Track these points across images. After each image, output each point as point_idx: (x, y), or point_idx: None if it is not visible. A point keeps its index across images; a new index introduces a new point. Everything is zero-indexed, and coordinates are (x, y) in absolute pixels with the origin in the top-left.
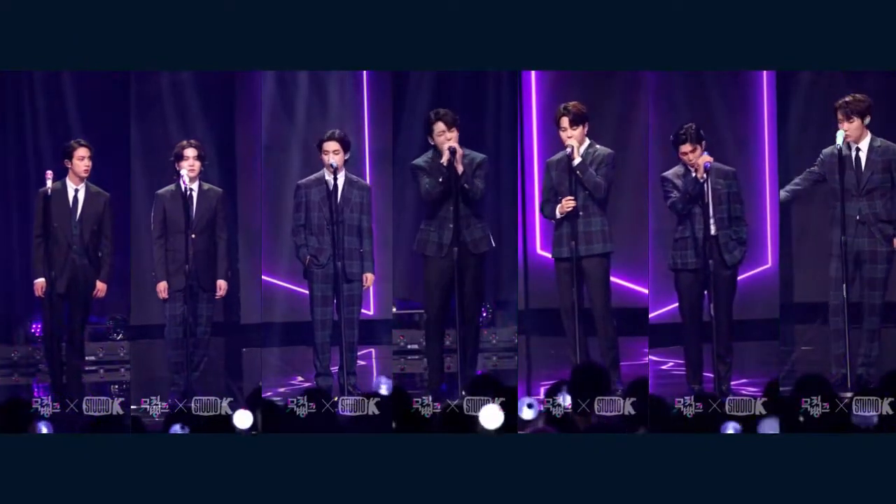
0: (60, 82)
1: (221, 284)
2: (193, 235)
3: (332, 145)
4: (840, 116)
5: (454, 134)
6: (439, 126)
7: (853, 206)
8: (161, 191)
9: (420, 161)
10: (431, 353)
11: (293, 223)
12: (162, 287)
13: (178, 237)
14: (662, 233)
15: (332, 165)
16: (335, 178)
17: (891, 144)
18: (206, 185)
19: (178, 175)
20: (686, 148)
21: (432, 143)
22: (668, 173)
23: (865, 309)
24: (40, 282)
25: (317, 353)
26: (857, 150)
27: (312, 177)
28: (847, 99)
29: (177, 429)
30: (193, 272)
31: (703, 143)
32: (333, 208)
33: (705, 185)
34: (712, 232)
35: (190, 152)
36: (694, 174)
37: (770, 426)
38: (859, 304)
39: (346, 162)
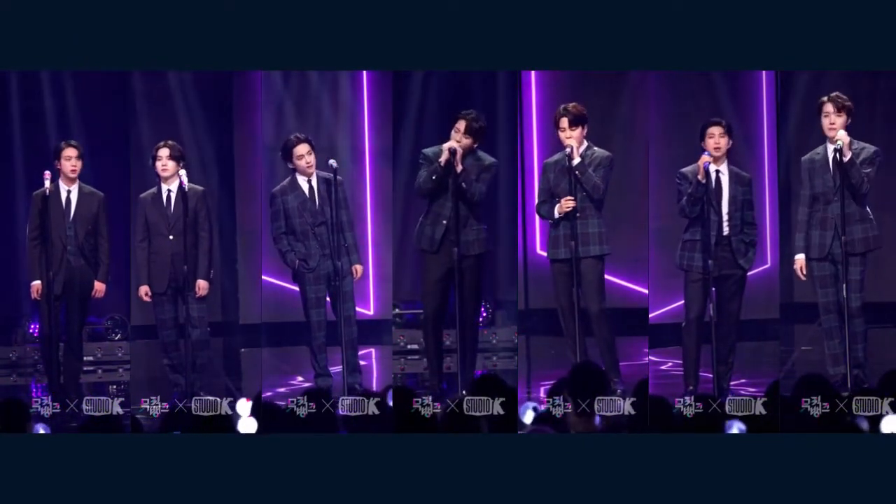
0: (57, 82)
1: (201, 284)
2: (171, 237)
3: (304, 147)
4: (831, 108)
5: (468, 142)
6: (460, 123)
7: (833, 207)
8: (143, 194)
9: (429, 151)
10: (430, 352)
11: (273, 231)
12: (142, 291)
13: (160, 239)
14: (662, 233)
15: (332, 165)
16: (335, 178)
17: (867, 146)
18: (187, 186)
19: (158, 176)
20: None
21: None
22: (686, 169)
23: (849, 311)
24: (36, 284)
25: (314, 354)
26: (836, 151)
27: (285, 183)
28: (840, 94)
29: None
30: (173, 274)
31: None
32: (332, 203)
33: (709, 185)
34: (724, 233)
35: (162, 152)
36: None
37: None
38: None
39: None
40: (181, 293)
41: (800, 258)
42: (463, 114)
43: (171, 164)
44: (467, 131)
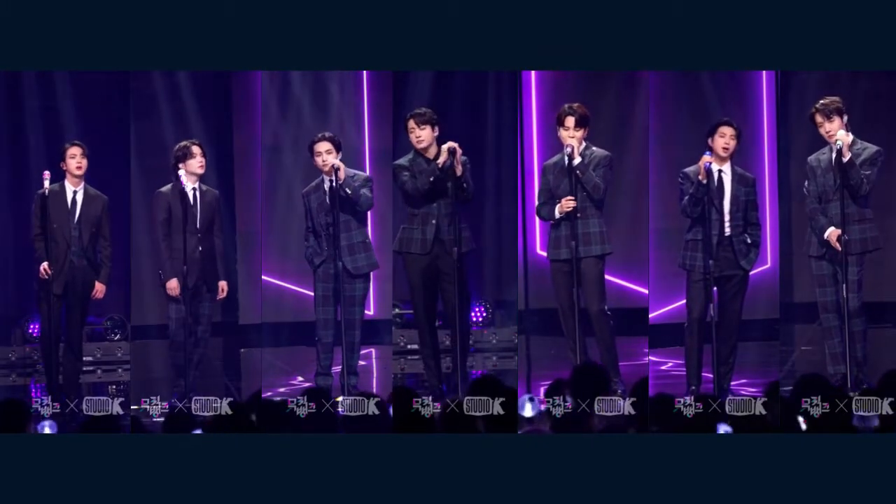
0: (58, 82)
1: (223, 286)
2: (199, 235)
3: (324, 146)
4: (820, 118)
5: (425, 131)
6: (409, 123)
7: (832, 207)
8: (163, 189)
9: (402, 161)
10: (426, 354)
11: (305, 230)
12: (174, 284)
13: (180, 237)
14: (662, 233)
15: (333, 165)
16: (335, 176)
17: (869, 146)
18: (204, 186)
19: (178, 176)
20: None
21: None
22: (689, 169)
23: (849, 311)
24: (44, 265)
25: (318, 353)
26: (838, 151)
27: (313, 183)
28: (824, 101)
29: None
30: (200, 272)
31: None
32: (336, 208)
33: (711, 185)
34: (726, 233)
35: (197, 150)
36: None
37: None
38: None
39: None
40: (195, 291)
41: (830, 230)
42: (408, 115)
43: (203, 162)
44: (420, 125)
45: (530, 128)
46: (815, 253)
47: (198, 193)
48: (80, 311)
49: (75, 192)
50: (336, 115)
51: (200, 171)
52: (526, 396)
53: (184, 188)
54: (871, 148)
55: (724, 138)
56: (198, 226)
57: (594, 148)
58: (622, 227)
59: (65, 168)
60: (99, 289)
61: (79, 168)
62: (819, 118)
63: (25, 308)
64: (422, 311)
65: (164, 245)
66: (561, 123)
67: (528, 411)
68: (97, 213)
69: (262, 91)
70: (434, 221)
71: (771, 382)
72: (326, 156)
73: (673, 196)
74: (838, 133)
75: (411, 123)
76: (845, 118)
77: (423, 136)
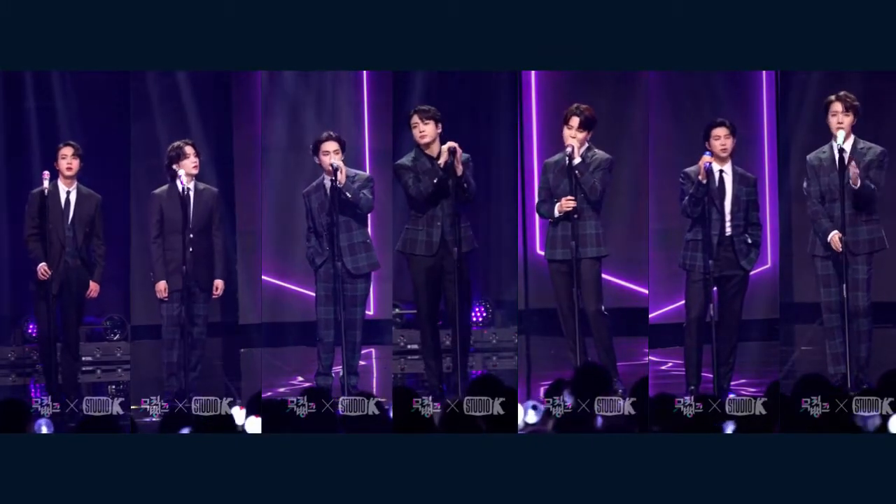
0: (57, 82)
1: (219, 284)
2: (192, 235)
3: (331, 145)
4: (840, 107)
5: (429, 126)
6: (413, 118)
7: (838, 207)
8: (157, 190)
9: (405, 161)
10: (427, 354)
11: (306, 230)
12: (161, 287)
13: (176, 237)
14: (662, 233)
15: (332, 165)
16: (335, 178)
17: (873, 146)
18: (201, 185)
19: (174, 176)
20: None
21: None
22: (690, 169)
23: (852, 310)
24: (42, 265)
25: (319, 353)
26: (842, 150)
27: (313, 183)
28: (846, 92)
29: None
30: (192, 272)
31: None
32: (336, 205)
33: (711, 185)
34: (727, 233)
35: (190, 150)
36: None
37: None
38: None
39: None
40: (189, 292)
41: (834, 234)
42: (412, 110)
43: (197, 162)
44: (424, 120)
45: (530, 128)
46: (819, 253)
47: (192, 193)
48: (77, 311)
49: (68, 193)
50: (336, 115)
51: (195, 171)
52: (530, 404)
53: (177, 189)
54: (876, 148)
55: (720, 140)
56: (190, 226)
57: (596, 150)
58: (622, 227)
59: (57, 168)
60: (93, 288)
61: (69, 169)
62: (838, 106)
63: (23, 308)
64: (425, 312)
65: (153, 247)
66: (566, 122)
67: (531, 418)
68: (90, 213)
69: (262, 91)
70: (439, 223)
71: (771, 382)
72: (334, 155)
73: (672, 196)
74: (840, 132)
75: (415, 118)
76: (856, 119)
77: (426, 130)
